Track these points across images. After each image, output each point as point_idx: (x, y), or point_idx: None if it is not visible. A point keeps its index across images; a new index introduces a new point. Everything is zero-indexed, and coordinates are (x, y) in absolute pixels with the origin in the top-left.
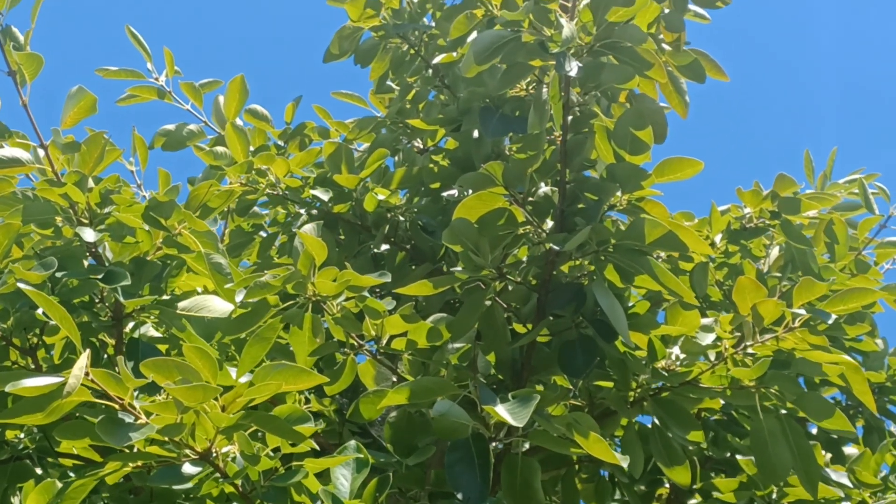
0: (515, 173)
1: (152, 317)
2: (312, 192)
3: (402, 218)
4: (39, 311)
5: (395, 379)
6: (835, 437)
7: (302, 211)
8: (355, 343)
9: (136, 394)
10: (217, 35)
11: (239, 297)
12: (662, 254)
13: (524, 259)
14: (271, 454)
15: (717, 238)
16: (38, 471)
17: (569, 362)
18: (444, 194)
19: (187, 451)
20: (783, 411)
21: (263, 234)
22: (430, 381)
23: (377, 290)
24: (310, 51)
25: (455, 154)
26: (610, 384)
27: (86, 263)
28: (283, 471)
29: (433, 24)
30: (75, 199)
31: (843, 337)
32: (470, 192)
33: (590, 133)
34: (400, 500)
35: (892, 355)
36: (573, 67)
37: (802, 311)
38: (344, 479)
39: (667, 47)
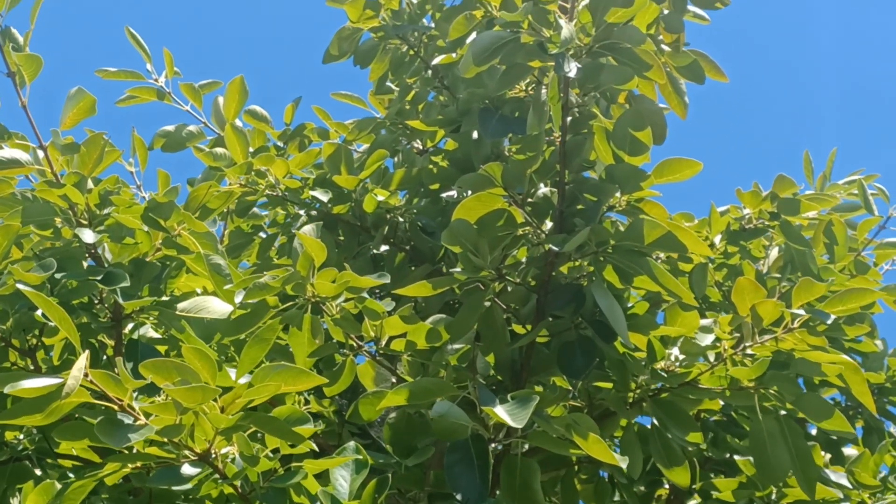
0: (515, 174)
1: (151, 318)
2: (312, 193)
3: (401, 219)
4: (39, 312)
5: (394, 380)
6: (834, 437)
7: (301, 212)
8: (354, 344)
9: (135, 395)
10: (217, 35)
11: (238, 299)
12: (662, 255)
13: (523, 260)
14: (270, 455)
15: (717, 239)
16: (38, 472)
17: (568, 363)
18: (444, 195)
19: (186, 452)
20: (782, 412)
21: (263, 235)
22: (430, 382)
23: (376, 291)
24: (309, 51)
25: (454, 155)
26: (609, 385)
27: (85, 264)
28: (283, 472)
29: (432, 25)
30: (74, 200)
31: (842, 338)
32: (469, 193)
33: (589, 134)
34: (399, 501)
35: (891, 356)
36: (572, 68)
37: (802, 312)
38: (343, 480)
39: (666, 48)
